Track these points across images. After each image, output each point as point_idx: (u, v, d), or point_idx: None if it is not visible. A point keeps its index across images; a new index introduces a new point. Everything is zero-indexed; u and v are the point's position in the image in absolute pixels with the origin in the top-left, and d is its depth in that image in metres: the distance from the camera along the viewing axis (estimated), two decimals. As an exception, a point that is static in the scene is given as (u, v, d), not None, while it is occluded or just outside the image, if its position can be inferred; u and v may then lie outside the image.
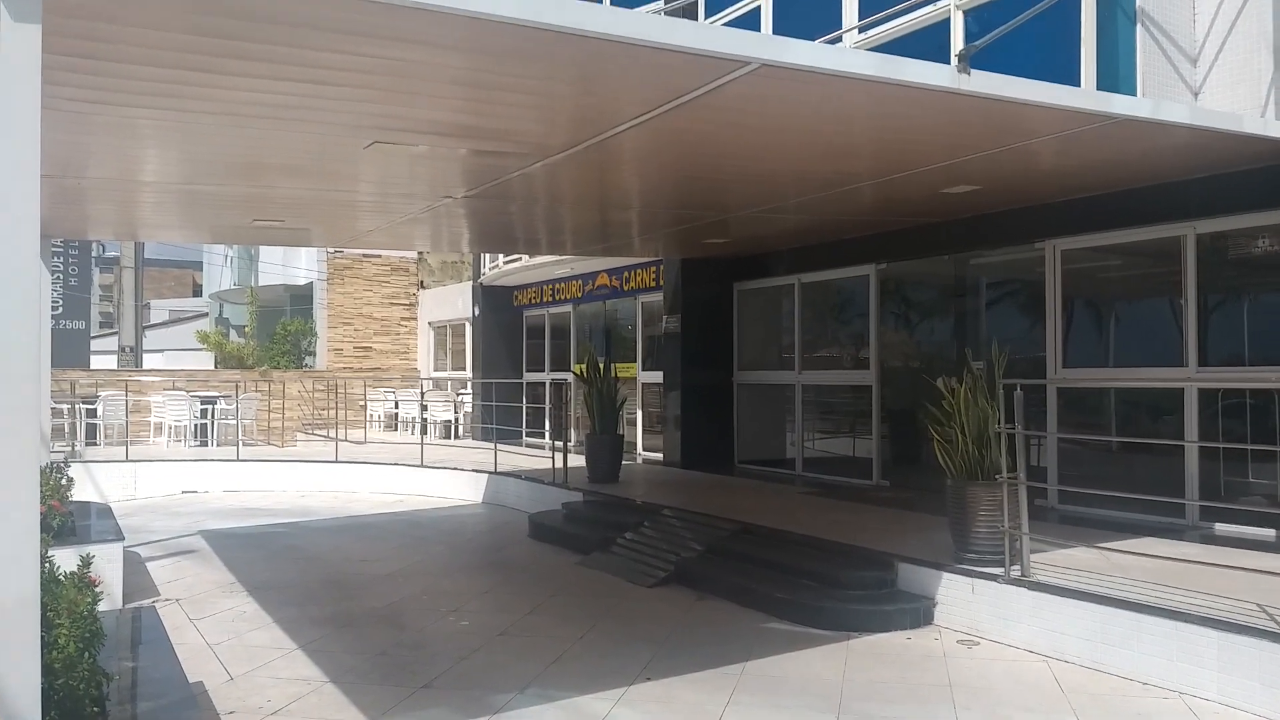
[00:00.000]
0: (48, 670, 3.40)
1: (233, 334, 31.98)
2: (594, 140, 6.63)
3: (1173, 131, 6.66)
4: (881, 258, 11.36)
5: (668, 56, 4.91)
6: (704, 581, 7.78)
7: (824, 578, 7.13)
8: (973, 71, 5.65)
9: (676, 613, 7.17)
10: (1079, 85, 7.72)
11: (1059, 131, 6.63)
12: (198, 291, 47.72)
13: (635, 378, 15.24)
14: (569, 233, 12.61)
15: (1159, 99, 7.71)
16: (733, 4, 11.39)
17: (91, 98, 5.55)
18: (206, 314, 37.49)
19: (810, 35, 10.14)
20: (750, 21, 11.11)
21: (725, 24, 11.43)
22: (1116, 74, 7.90)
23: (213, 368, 25.07)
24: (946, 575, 6.62)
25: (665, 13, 11.70)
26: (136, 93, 5.55)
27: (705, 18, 11.87)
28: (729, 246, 12.42)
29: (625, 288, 15.67)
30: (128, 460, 14.67)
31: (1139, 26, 7.85)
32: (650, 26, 4.84)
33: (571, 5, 4.55)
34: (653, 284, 14.73)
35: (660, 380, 14.22)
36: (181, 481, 14.61)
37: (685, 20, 4.96)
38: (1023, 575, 6.16)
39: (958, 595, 6.51)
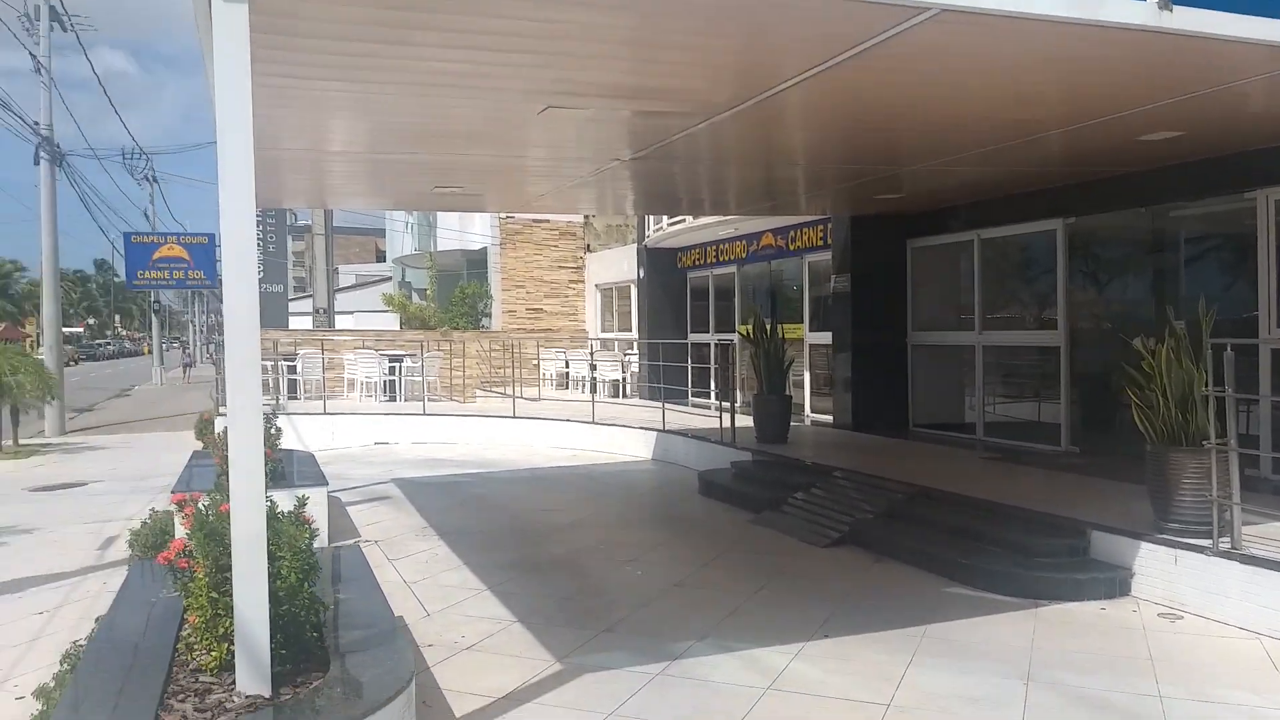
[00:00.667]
0: (272, 598, 3.74)
1: (414, 296, 33.70)
2: (760, 97, 6.53)
3: None
4: (1070, 211, 10.70)
5: (839, 6, 4.77)
6: (880, 544, 7.66)
7: (1010, 544, 6.88)
8: (1175, 7, 5.21)
9: (853, 573, 7.11)
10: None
11: (1274, 71, 6.03)
12: (380, 257, 50.51)
13: (802, 339, 15.05)
14: (733, 192, 12.53)
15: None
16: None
17: (289, 73, 5.92)
18: (390, 278, 39.65)
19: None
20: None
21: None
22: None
23: (398, 328, 26.52)
24: (1146, 545, 6.25)
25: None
26: (330, 66, 5.88)
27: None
28: (902, 202, 12.01)
29: (791, 247, 15.45)
30: (325, 414, 15.79)
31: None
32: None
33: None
34: (820, 243, 14.45)
35: (828, 341, 13.99)
36: (374, 433, 15.61)
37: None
38: (1233, 548, 5.74)
39: (1158, 566, 6.14)
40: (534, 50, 5.54)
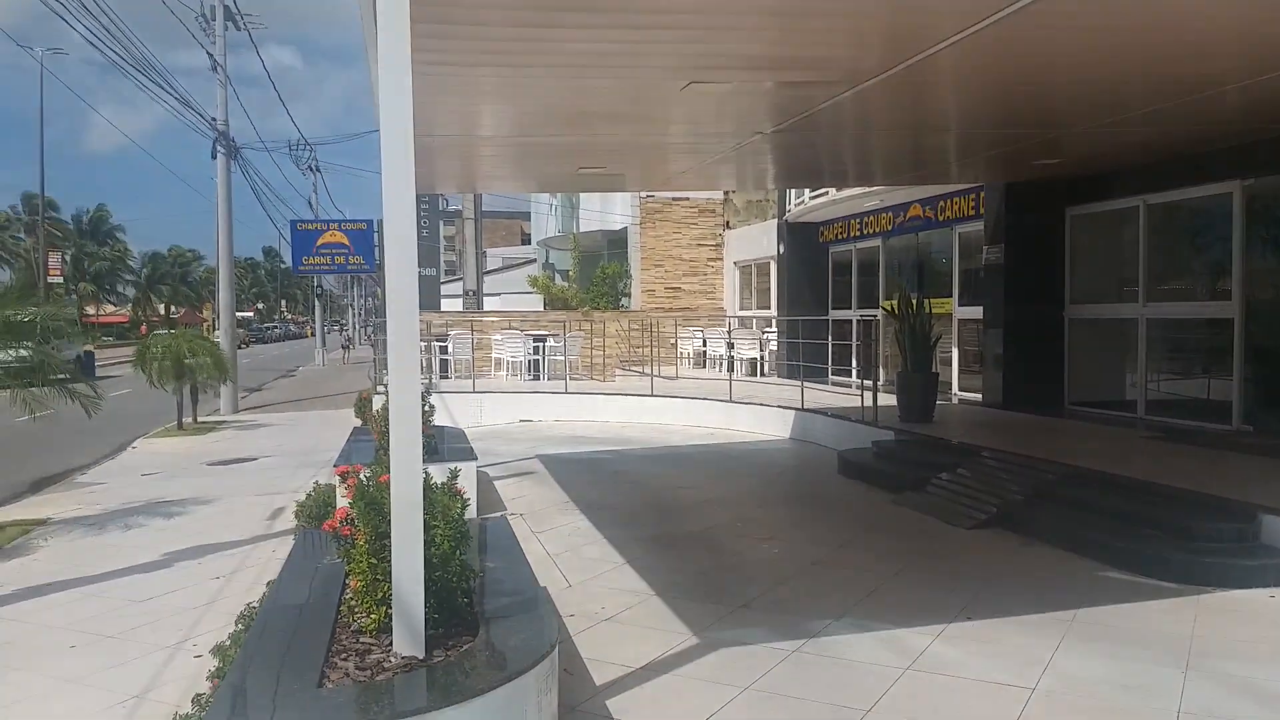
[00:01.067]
0: (426, 564, 3.94)
1: (558, 278, 34.44)
2: (911, 61, 6.35)
3: None
4: (1249, 172, 9.91)
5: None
6: (1029, 526, 7.38)
7: (1170, 527, 6.50)
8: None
9: (998, 556, 6.88)
10: None
11: None
12: (525, 240, 51.78)
13: (950, 313, 14.55)
14: (879, 162, 12.22)
15: None
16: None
17: (443, 60, 6.17)
18: (535, 260, 40.62)
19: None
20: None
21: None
22: None
23: (541, 309, 27.19)
24: (1326, 531, 5.80)
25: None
26: (481, 52, 6.10)
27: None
28: (1061, 167, 11.42)
29: (940, 218, 14.93)
30: (474, 392, 16.40)
31: None
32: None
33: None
34: (972, 212, 13.91)
35: (979, 316, 13.48)
36: (519, 411, 16.11)
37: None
38: None
39: (1339, 554, 5.69)
40: (679, 26, 5.60)
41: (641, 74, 6.74)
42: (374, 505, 4.31)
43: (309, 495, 8.10)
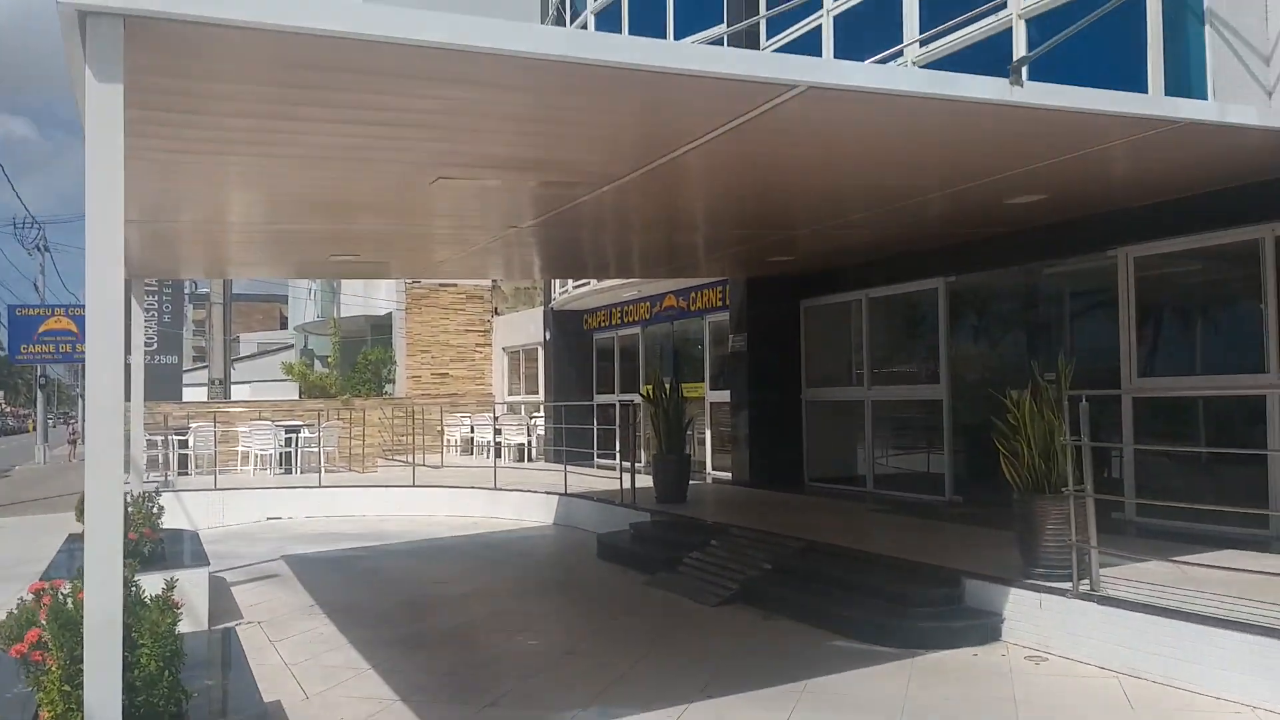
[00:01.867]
0: (129, 688, 3.60)
1: (317, 364, 33.03)
2: (657, 163, 6.70)
3: (1245, 133, 6.47)
4: (951, 270, 11.21)
5: (717, 84, 5.01)
6: (770, 600, 7.76)
7: (891, 595, 7.05)
8: (1026, 83, 5.61)
9: (740, 631, 7.17)
10: (1147, 89, 7.57)
11: (1123, 138, 6.50)
12: (285, 324, 49.42)
13: (703, 397, 15.26)
14: (637, 256, 12.77)
15: (1228, 101, 7.51)
16: (793, 25, 11.47)
17: (180, 147, 5.89)
18: (292, 345, 38.80)
19: (873, 51, 10.19)
20: (813, 40, 11.17)
21: (789, 43, 11.51)
22: (1187, 76, 7.72)
23: (297, 398, 25.90)
24: (1014, 590, 6.49)
25: (728, 35, 11.84)
26: (222, 141, 5.87)
27: (767, 38, 11.97)
28: (795, 264, 12.41)
29: (692, 308, 15.75)
30: (216, 489, 15.25)
31: (1208, 27, 7.66)
32: (700, 57, 4.97)
33: (621, 42, 4.72)
34: (719, 303, 14.78)
35: (728, 399, 14.23)
36: (267, 508, 15.11)
37: (732, 49, 5.09)
38: (1091, 589, 6.01)
39: (1025, 611, 6.38)
40: (424, 125, 5.65)
41: (391, 168, 6.73)
42: (69, 625, 3.91)
43: (9, 615, 7.17)
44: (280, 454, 17.74)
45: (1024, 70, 6.67)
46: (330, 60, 4.39)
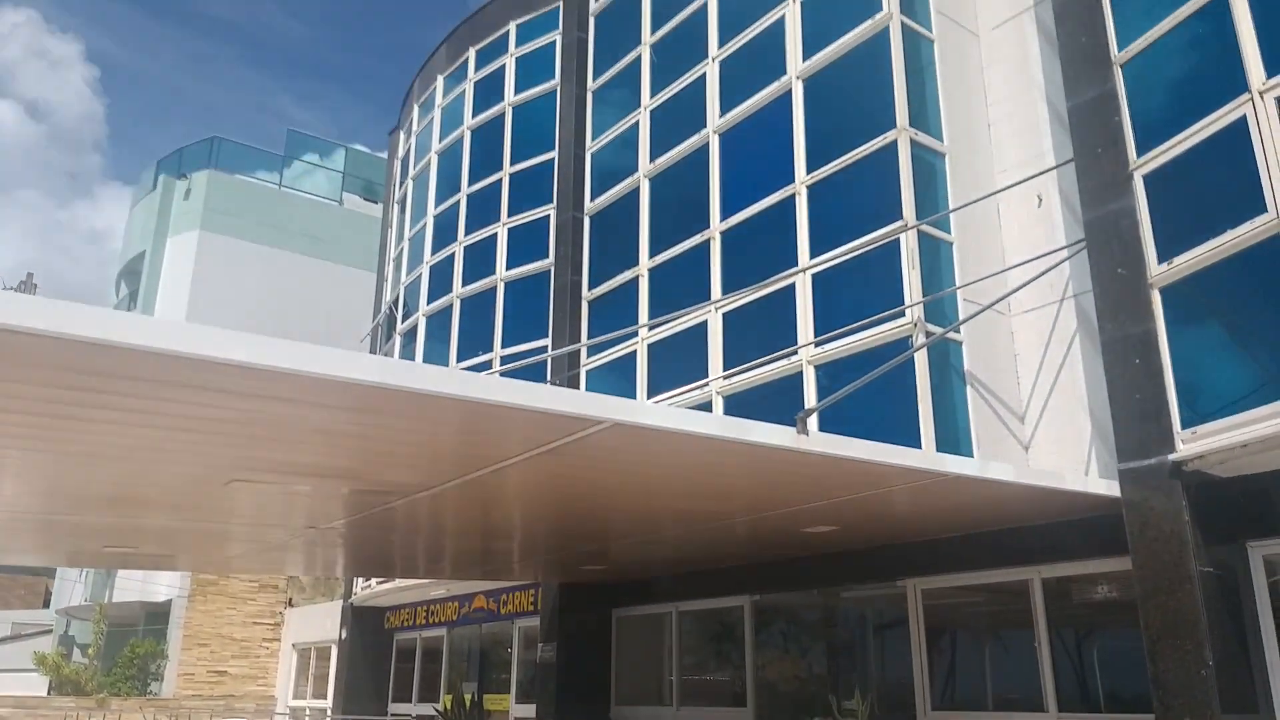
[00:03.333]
0: None
1: (77, 653, 29.21)
2: (472, 476, 6.71)
3: (1005, 486, 7.16)
4: (756, 589, 11.45)
5: (529, 416, 5.20)
6: None
7: None
8: (813, 431, 6.11)
9: None
10: (920, 439, 8.36)
11: (900, 484, 7.08)
12: (48, 602, 44.05)
13: (507, 711, 14.38)
14: (449, 558, 12.39)
15: (991, 453, 8.40)
16: (610, 347, 12.21)
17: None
18: (51, 630, 34.39)
19: (682, 381, 10.90)
20: (629, 362, 11.87)
21: (609, 363, 12.19)
22: (955, 428, 8.59)
23: (46, 693, 22.61)
24: None
25: (552, 359, 12.44)
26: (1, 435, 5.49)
27: (588, 356, 12.65)
28: (608, 573, 12.37)
29: (503, 610, 15.22)
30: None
31: (969, 387, 8.67)
32: (512, 391, 5.16)
33: (437, 373, 4.86)
34: (531, 608, 14.37)
35: (533, 715, 13.46)
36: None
37: (543, 386, 5.35)
38: None
39: None
40: (215, 431, 5.47)
41: (179, 469, 6.42)
42: None
43: None
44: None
45: (814, 418, 7.29)
46: (109, 367, 4.29)
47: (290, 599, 21.82)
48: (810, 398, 9.25)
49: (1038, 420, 8.81)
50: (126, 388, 4.62)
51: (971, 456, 8.28)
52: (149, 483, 6.95)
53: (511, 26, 15.98)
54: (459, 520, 9.11)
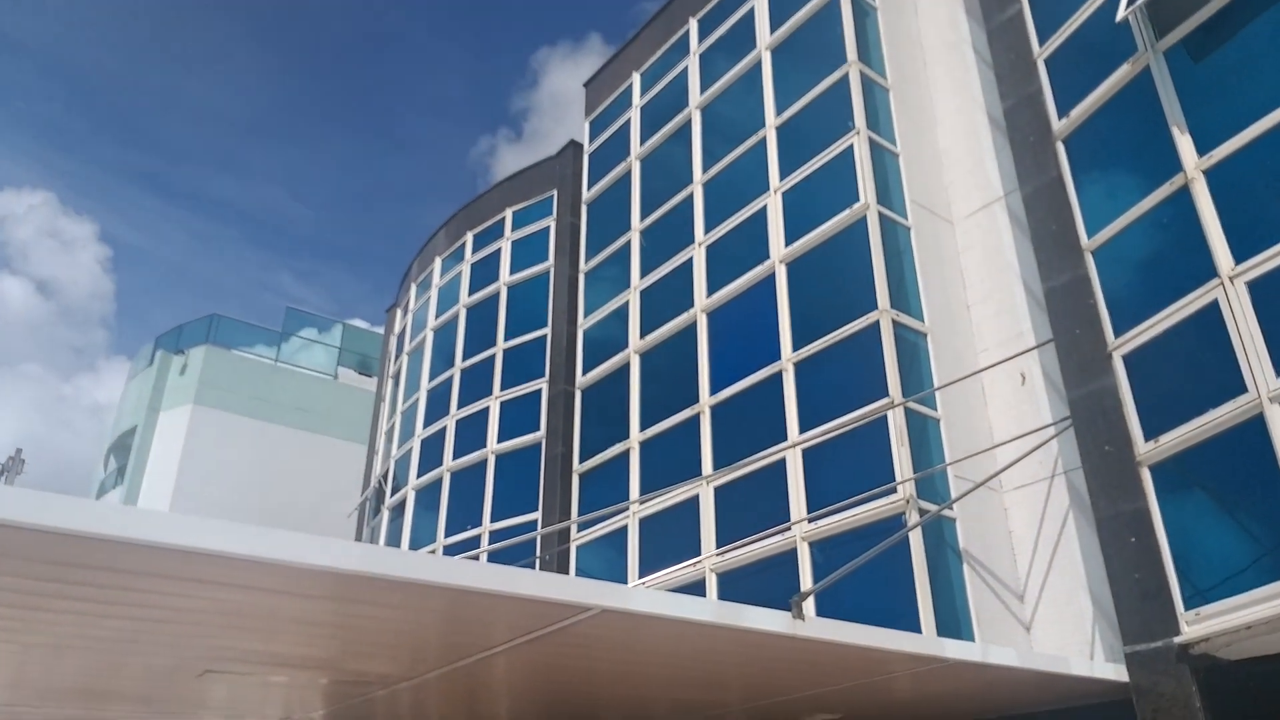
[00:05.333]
0: None
1: None
2: (457, 665, 6.49)
3: (1009, 671, 6.92)
4: (755, 782, 10.82)
5: (515, 602, 5.09)
6: None
7: None
8: (809, 616, 5.95)
9: None
10: (920, 620, 8.15)
11: (901, 670, 6.84)
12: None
13: None
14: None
15: (989, 639, 8.17)
16: (601, 522, 12.06)
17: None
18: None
19: (675, 557, 10.73)
20: (620, 538, 11.70)
21: (600, 537, 12.01)
22: (955, 608, 8.39)
23: None
24: None
25: (542, 535, 12.27)
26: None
27: (578, 533, 12.47)
28: (600, 766, 11.72)
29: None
30: None
31: (966, 565, 8.53)
32: (497, 577, 5.07)
33: (421, 561, 4.79)
34: (517, 804, 13.51)
35: None
36: None
37: (528, 572, 5.24)
38: None
39: None
40: (189, 621, 5.31)
41: (151, 659, 6.19)
42: None
43: None
44: None
45: (810, 601, 7.13)
46: (87, 558, 4.19)
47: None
48: (805, 574, 9.08)
49: (1037, 599, 8.63)
50: (100, 578, 4.52)
51: (973, 638, 8.07)
52: (119, 674, 6.69)
53: (508, 213, 16.69)
54: (443, 711, 8.73)
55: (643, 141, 14.02)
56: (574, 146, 16.12)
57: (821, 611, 8.29)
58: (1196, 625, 6.52)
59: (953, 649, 6.56)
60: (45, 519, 3.73)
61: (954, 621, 8.22)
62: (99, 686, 7.10)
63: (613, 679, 7.47)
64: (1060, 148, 8.42)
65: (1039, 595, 8.62)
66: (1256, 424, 6.34)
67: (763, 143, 11.54)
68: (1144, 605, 6.87)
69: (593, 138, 15.37)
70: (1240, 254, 6.74)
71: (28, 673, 6.65)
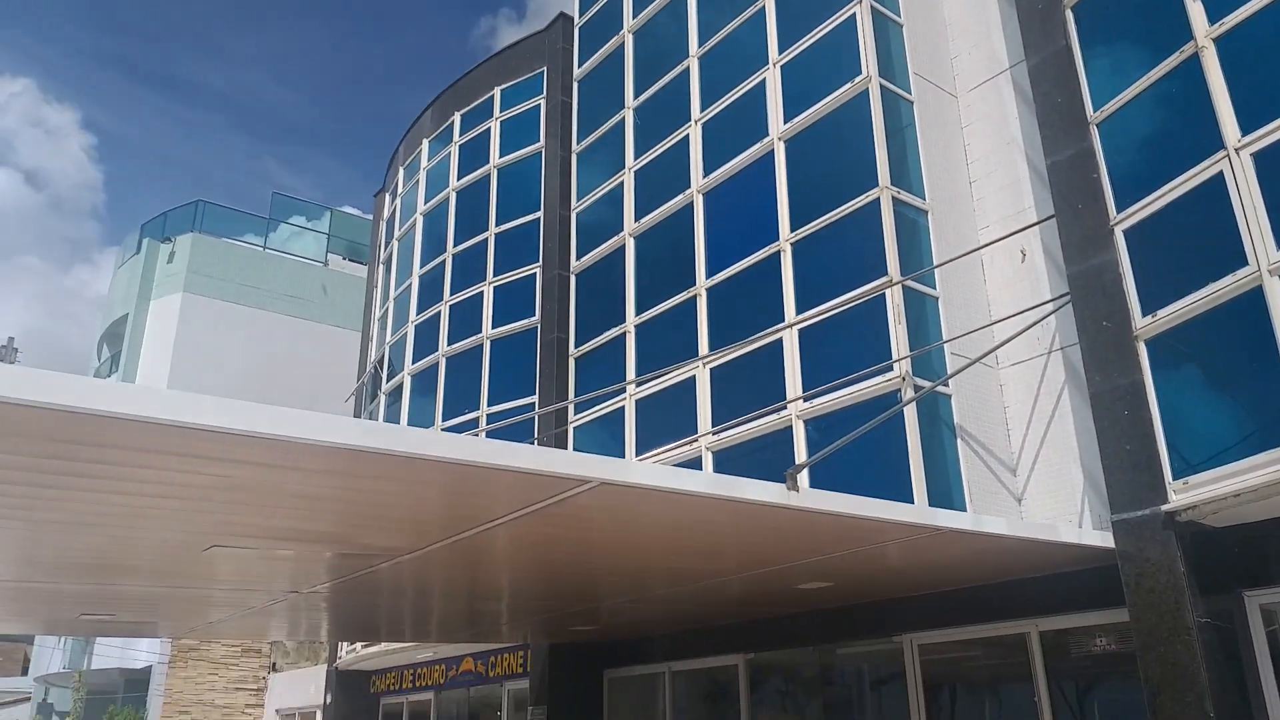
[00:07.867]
0: None
1: (53, 723, 28.48)
2: (459, 537, 6.62)
3: (999, 539, 7.11)
4: (750, 647, 11.28)
5: (515, 477, 5.15)
6: None
7: None
8: (803, 488, 6.06)
9: None
10: (913, 493, 8.32)
11: (892, 539, 7.02)
12: (26, 669, 42.99)
13: (498, 779, 14.06)
14: (436, 621, 12.19)
15: (984, 506, 8.36)
16: (598, 404, 12.18)
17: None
18: (29, 697, 33.56)
19: (671, 438, 10.86)
20: (618, 418, 11.83)
21: (598, 418, 12.14)
22: (948, 482, 8.56)
23: (18, 768, 21.96)
24: None
25: (539, 417, 12.38)
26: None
27: (575, 415, 12.59)
28: (599, 633, 12.17)
29: (491, 674, 14.93)
30: None
31: (959, 440, 8.67)
32: (497, 452, 5.11)
33: (422, 436, 4.80)
34: (520, 669, 14.11)
35: (524, 783, 13.16)
36: None
37: (526, 446, 5.27)
38: None
39: None
40: (195, 498, 5.37)
41: (160, 534, 6.30)
42: None
43: None
44: None
45: (805, 473, 7.25)
46: (93, 436, 4.21)
47: (274, 664, 21.36)
48: (800, 452, 9.22)
49: (1030, 472, 8.80)
50: (103, 455, 4.55)
51: (964, 510, 8.25)
52: (128, 549, 6.82)
53: (496, 91, 16.20)
54: (445, 582, 8.98)
55: (636, 13, 13.52)
56: (564, 19, 15.51)
57: (815, 486, 8.44)
58: (1184, 494, 6.67)
59: (944, 518, 6.72)
60: (52, 397, 3.73)
61: (946, 494, 8.40)
62: (109, 561, 7.25)
63: (611, 551, 7.65)
64: (1069, 15, 8.15)
65: (1031, 468, 8.79)
66: (1255, 296, 6.33)
67: (761, 13, 11.13)
68: (1134, 476, 7.02)
69: (583, 9, 14.81)
70: (1247, 126, 6.60)
71: (39, 549, 6.77)
